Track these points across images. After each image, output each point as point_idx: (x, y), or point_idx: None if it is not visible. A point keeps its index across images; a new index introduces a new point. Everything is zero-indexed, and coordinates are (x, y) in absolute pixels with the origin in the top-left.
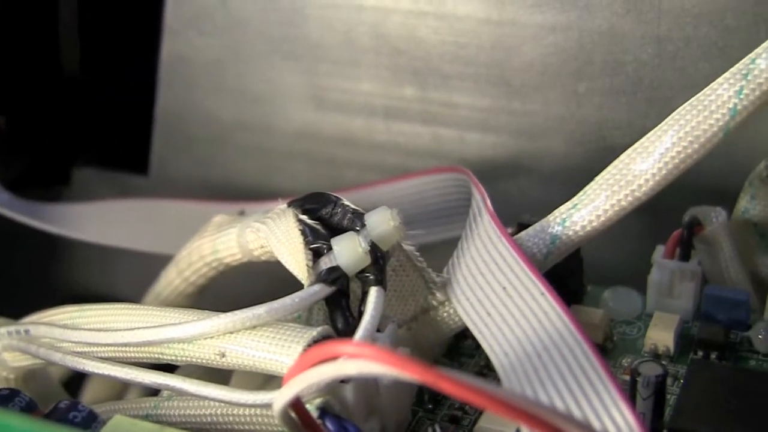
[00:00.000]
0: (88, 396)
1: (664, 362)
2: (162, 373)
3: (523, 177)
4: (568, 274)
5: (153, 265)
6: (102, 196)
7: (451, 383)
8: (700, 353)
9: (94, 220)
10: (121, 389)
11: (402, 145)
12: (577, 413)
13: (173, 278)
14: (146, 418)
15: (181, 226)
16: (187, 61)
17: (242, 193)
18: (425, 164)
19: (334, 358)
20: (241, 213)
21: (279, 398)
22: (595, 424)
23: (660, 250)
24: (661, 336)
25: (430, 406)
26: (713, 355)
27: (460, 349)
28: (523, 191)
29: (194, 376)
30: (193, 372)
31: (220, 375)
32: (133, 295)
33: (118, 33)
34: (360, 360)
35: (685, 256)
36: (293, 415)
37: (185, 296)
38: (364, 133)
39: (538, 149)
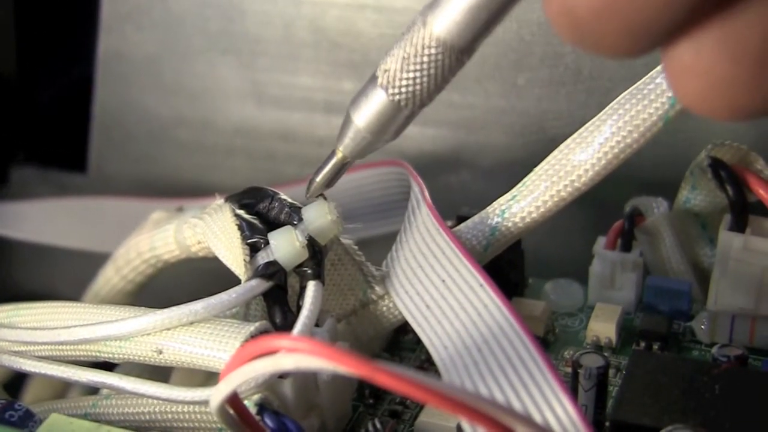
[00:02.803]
0: (28, 397)
1: (606, 354)
2: (99, 371)
3: (463, 170)
4: (509, 267)
5: (92, 263)
6: (40, 194)
7: (388, 376)
8: (643, 344)
9: (32, 219)
10: (62, 390)
11: None
12: (518, 406)
13: (111, 276)
14: (85, 417)
15: (120, 224)
16: (124, 57)
17: (182, 190)
18: (365, 158)
19: (271, 352)
20: (180, 209)
21: (216, 394)
22: (537, 416)
23: (601, 241)
24: (603, 327)
25: (370, 401)
26: (655, 346)
27: (401, 344)
28: (463, 184)
29: (134, 375)
30: (132, 370)
31: (160, 374)
32: (72, 295)
33: (54, 30)
34: (297, 354)
35: (627, 247)
36: (231, 411)
37: (124, 294)
38: (303, 127)
39: (477, 142)
